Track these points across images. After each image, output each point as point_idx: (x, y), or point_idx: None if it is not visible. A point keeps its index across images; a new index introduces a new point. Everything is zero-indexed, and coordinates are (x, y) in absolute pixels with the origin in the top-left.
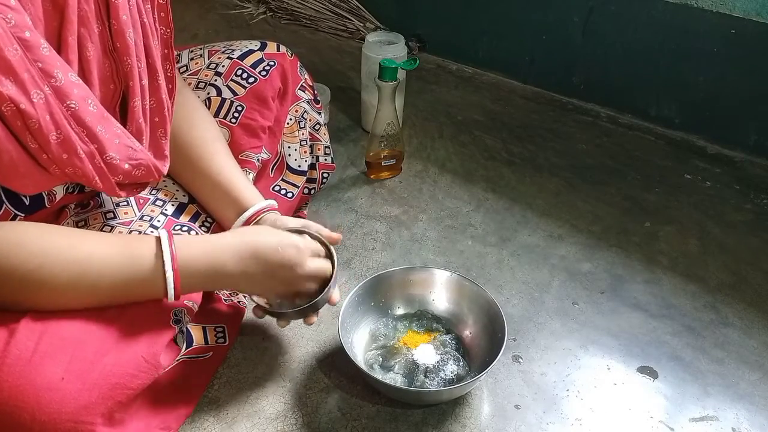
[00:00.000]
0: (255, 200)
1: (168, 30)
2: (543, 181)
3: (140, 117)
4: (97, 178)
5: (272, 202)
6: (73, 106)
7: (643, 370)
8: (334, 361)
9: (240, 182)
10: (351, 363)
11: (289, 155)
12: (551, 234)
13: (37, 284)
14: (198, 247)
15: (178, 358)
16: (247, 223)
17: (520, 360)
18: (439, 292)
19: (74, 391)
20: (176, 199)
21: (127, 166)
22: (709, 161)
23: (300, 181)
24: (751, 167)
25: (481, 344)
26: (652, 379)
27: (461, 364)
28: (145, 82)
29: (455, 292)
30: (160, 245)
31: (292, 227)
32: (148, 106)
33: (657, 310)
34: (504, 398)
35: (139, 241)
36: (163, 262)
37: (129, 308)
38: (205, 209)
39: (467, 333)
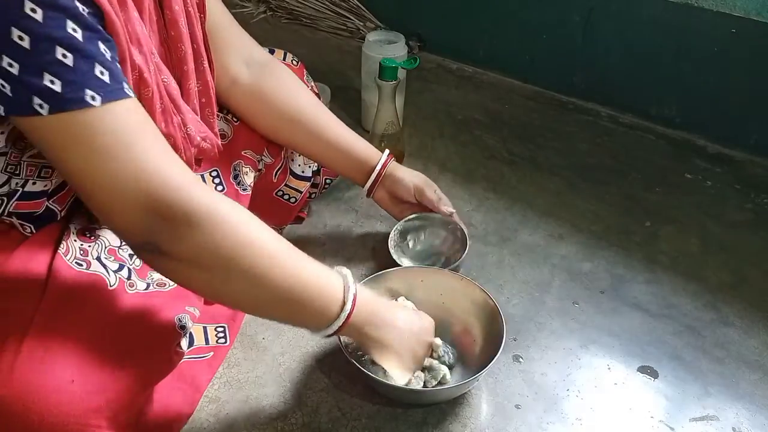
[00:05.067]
0: (376, 156)
1: (203, 15)
2: (543, 180)
3: (195, 98)
4: (182, 148)
5: (386, 152)
6: (165, 80)
7: (643, 369)
8: (334, 361)
9: (357, 145)
10: (350, 363)
11: (293, 160)
12: (552, 233)
13: (250, 277)
14: (372, 303)
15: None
16: (378, 176)
17: (521, 360)
18: (438, 291)
19: (83, 394)
20: None
21: (198, 138)
22: (709, 161)
23: (304, 186)
24: (752, 167)
25: (481, 343)
26: (653, 379)
27: (460, 363)
28: (193, 66)
29: (454, 291)
30: (346, 292)
31: (412, 180)
32: (196, 89)
33: (657, 310)
34: (504, 398)
35: (334, 279)
36: (342, 308)
37: (137, 314)
38: (329, 167)
39: (467, 332)
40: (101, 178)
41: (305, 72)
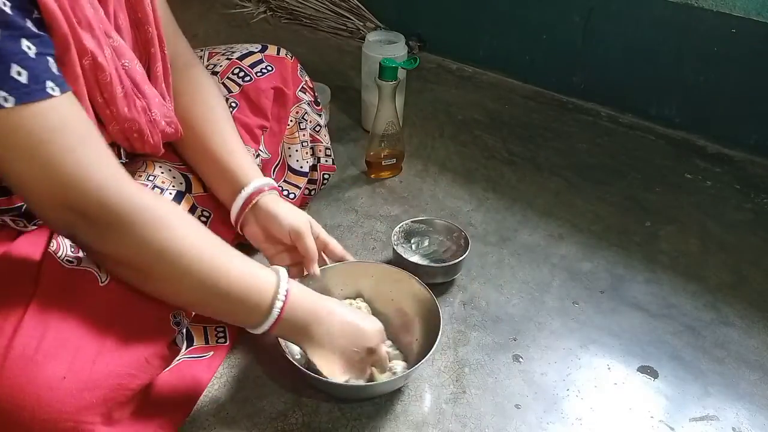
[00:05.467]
0: (253, 177)
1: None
2: (543, 180)
3: (162, 81)
4: (149, 132)
5: (270, 181)
6: (126, 64)
7: (643, 369)
8: None
9: (238, 158)
10: (286, 359)
11: (290, 156)
12: (551, 233)
13: (174, 276)
14: (306, 300)
15: (178, 358)
16: (246, 202)
17: (521, 360)
18: (388, 287)
19: (75, 391)
20: (173, 186)
21: (163, 123)
22: (709, 161)
23: (302, 182)
24: (752, 167)
25: (421, 340)
26: (653, 379)
27: (403, 359)
28: (159, 48)
29: (400, 287)
30: (278, 288)
31: (288, 220)
32: (162, 72)
33: (657, 310)
34: (504, 398)
35: (265, 276)
36: (273, 305)
37: (130, 310)
38: (210, 189)
39: (407, 329)
40: (18, 177)
41: (299, 67)
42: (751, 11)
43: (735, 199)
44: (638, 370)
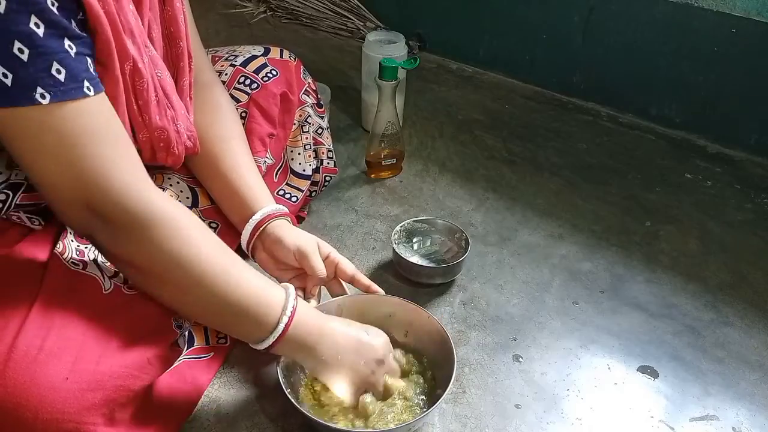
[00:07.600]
0: (263, 203)
1: (185, 15)
2: (543, 180)
3: (187, 95)
4: (175, 143)
5: (280, 207)
6: (158, 74)
7: (643, 369)
8: None
9: (250, 183)
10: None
11: (293, 159)
12: (552, 233)
13: (186, 283)
14: (312, 318)
15: (179, 359)
16: (256, 228)
17: (521, 359)
18: (393, 321)
19: (77, 392)
20: (180, 201)
21: (185, 135)
22: (709, 161)
23: (305, 185)
24: (752, 167)
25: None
26: (653, 379)
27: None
28: (187, 63)
29: (416, 327)
30: (285, 305)
31: (295, 242)
32: (188, 86)
33: (657, 310)
34: (504, 398)
35: (274, 291)
36: (279, 320)
37: (133, 311)
38: (221, 209)
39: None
40: (44, 174)
41: (302, 69)
42: (751, 11)
43: (735, 199)
44: (638, 370)
